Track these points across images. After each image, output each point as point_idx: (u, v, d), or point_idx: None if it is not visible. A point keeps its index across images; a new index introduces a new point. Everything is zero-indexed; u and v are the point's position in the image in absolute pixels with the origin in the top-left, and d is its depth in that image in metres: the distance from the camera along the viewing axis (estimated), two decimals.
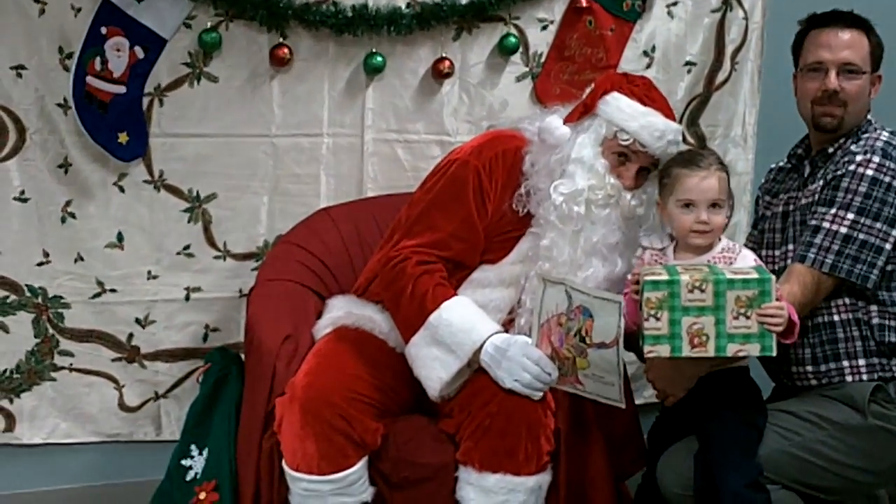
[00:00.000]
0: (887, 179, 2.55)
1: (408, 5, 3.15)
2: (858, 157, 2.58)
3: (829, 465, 2.51)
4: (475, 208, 2.61)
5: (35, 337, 3.09)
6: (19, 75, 2.95)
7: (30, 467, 3.14)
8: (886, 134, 2.64)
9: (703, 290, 2.32)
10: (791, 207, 2.73)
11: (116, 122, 2.99)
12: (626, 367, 2.46)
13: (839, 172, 2.59)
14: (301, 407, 2.47)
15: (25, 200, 3.02)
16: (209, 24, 3.02)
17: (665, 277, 2.34)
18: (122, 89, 2.98)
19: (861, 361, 2.57)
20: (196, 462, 2.75)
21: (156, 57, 3.00)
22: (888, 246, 2.56)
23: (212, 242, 3.18)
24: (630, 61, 3.36)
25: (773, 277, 2.34)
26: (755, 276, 2.34)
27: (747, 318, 2.32)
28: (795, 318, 2.39)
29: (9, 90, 2.95)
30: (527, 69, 3.31)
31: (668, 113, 2.63)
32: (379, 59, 3.14)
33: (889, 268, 2.58)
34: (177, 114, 3.07)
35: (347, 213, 3.12)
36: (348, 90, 3.19)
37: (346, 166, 3.23)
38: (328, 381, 2.50)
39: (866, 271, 2.54)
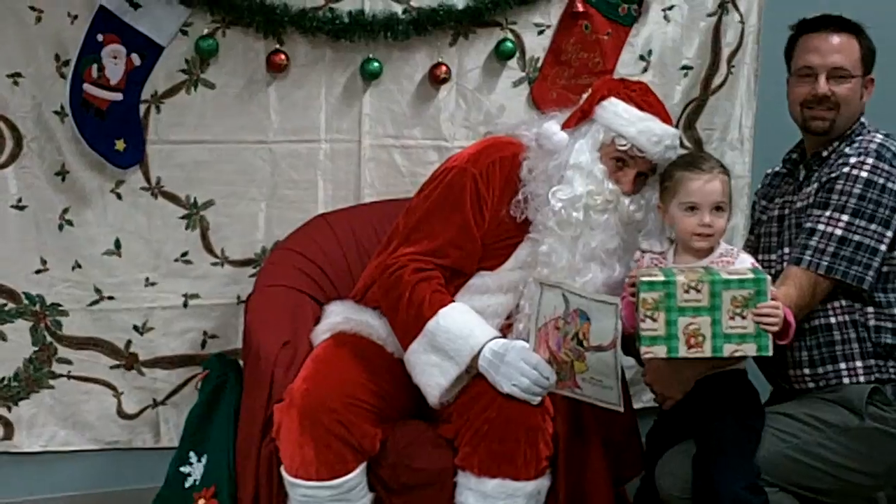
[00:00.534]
0: (881, 181, 2.56)
1: (404, 11, 3.15)
2: (853, 160, 2.58)
3: (827, 467, 2.52)
4: (472, 216, 2.61)
5: (33, 345, 3.09)
6: (16, 83, 2.95)
7: (28, 475, 3.13)
8: (880, 136, 2.64)
9: (699, 291, 2.32)
10: (786, 211, 2.74)
11: (113, 130, 2.99)
12: (625, 371, 2.46)
13: (833, 175, 2.59)
14: (300, 413, 2.47)
15: (23, 208, 3.02)
16: (206, 31, 3.02)
17: (661, 278, 2.34)
18: (118, 96, 2.98)
19: (858, 363, 2.58)
20: (195, 469, 2.76)
21: (152, 64, 3.00)
22: (883, 247, 2.56)
23: (209, 249, 3.17)
24: (626, 65, 3.36)
25: (769, 277, 2.35)
26: (751, 275, 2.34)
27: (743, 318, 2.33)
28: (791, 318, 2.39)
29: (5, 98, 2.95)
30: (523, 74, 3.31)
31: (665, 118, 2.64)
32: (376, 64, 3.14)
33: (885, 269, 2.59)
34: (174, 121, 3.07)
35: (345, 218, 3.12)
36: (345, 96, 3.19)
37: (344, 172, 3.23)
38: (327, 387, 2.50)
39: (862, 273, 2.54)
